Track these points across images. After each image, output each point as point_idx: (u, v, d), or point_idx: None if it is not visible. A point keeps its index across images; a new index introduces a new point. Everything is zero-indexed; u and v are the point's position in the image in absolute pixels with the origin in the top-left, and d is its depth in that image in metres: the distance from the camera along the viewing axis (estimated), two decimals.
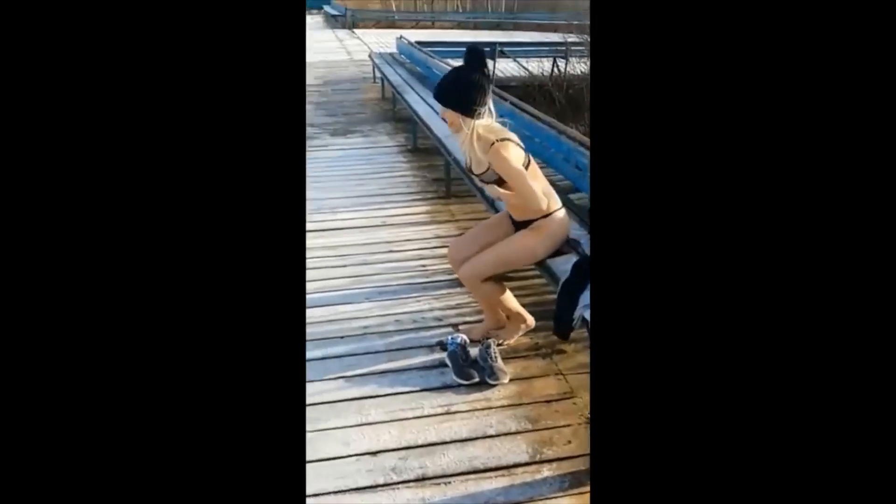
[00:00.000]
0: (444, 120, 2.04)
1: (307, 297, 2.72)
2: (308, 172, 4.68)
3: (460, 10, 20.05)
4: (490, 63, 2.11)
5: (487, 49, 9.14)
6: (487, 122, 1.99)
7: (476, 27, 17.25)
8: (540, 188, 2.01)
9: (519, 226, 2.13)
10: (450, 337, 2.21)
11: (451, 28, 17.34)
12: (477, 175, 2.10)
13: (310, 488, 1.67)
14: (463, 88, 1.95)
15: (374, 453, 1.82)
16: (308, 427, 1.91)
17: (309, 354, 2.27)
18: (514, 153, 1.97)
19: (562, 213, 2.09)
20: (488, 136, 1.98)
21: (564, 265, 2.03)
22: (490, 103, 1.98)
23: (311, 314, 2.55)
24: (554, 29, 10.69)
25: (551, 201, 2.06)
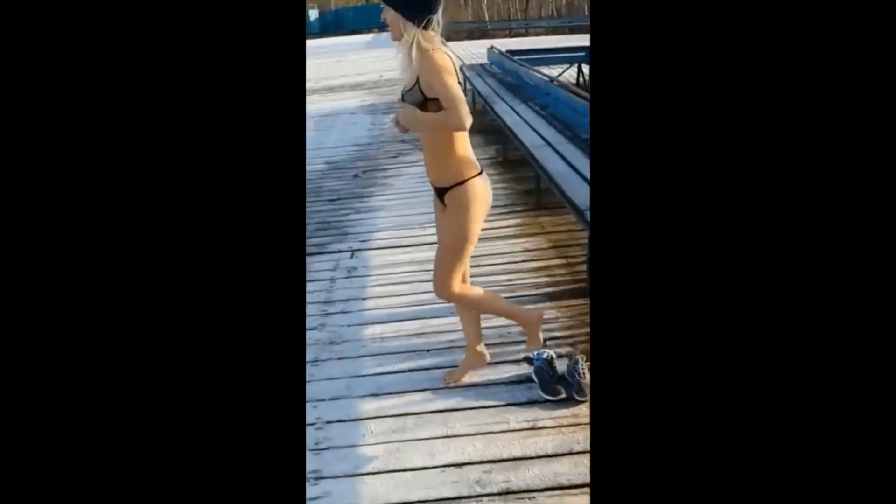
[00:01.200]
0: (383, 21, 1.81)
1: (396, 310, 2.83)
2: (398, 188, 4.83)
3: (555, 16, 19.84)
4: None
5: (582, 54, 8.93)
6: (432, 34, 1.75)
7: (571, 31, 17.01)
8: (462, 146, 1.84)
9: (441, 195, 1.94)
10: (536, 352, 2.21)
11: (546, 34, 17.21)
12: (402, 94, 1.86)
13: (394, 496, 1.74)
14: None
15: (460, 465, 1.85)
16: (394, 437, 1.99)
17: (397, 367, 2.36)
18: (449, 66, 1.72)
19: (480, 180, 1.90)
20: (426, 45, 1.73)
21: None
22: (439, 14, 1.74)
23: (399, 327, 2.65)
24: None
25: (467, 167, 1.87)
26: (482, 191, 1.92)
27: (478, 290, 2.14)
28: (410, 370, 2.35)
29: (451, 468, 1.84)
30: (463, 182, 1.88)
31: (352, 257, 3.51)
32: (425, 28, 1.73)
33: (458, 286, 2.03)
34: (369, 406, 2.16)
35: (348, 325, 2.74)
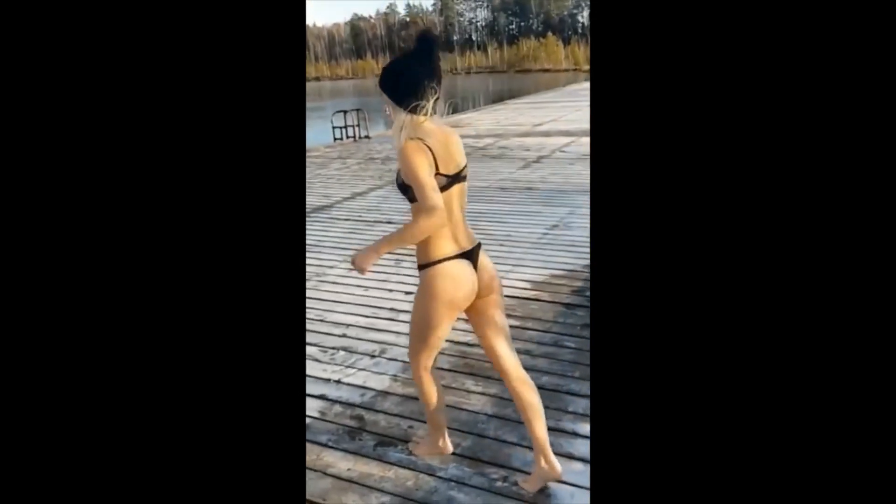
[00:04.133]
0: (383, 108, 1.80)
1: None
2: None
3: None
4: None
5: None
6: (420, 119, 1.70)
7: None
8: (447, 224, 1.66)
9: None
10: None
11: None
12: (395, 180, 1.79)
13: None
14: (398, 74, 1.72)
15: None
16: None
17: None
18: (418, 152, 1.62)
19: (455, 264, 1.73)
20: (408, 133, 1.68)
21: None
22: (432, 102, 1.70)
23: None
24: None
25: (439, 248, 1.71)
26: (454, 276, 1.73)
27: (431, 388, 1.95)
28: None
29: None
30: (429, 264, 1.73)
31: None
32: (414, 113, 1.70)
33: (421, 370, 1.89)
34: None
35: None
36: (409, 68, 1.71)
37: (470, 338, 3.00)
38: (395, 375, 2.72)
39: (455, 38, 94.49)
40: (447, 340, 2.99)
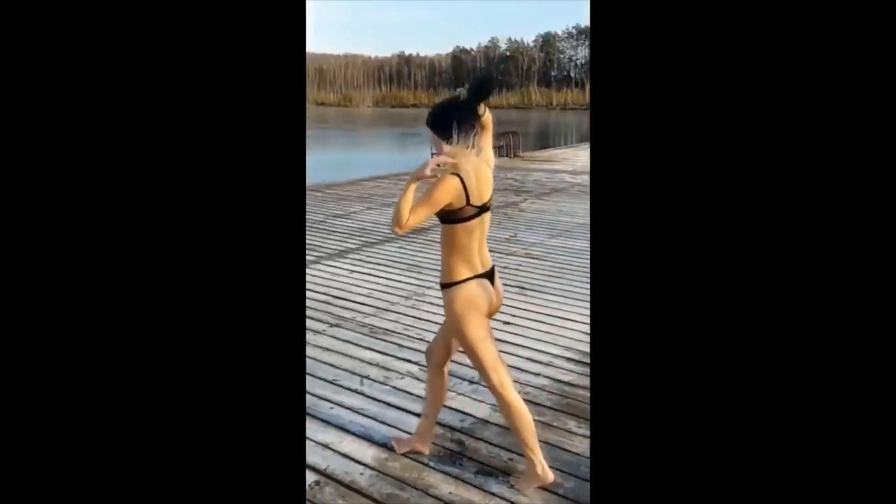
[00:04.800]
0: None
1: None
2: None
3: None
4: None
5: None
6: (464, 150, 1.87)
7: None
8: (458, 247, 1.91)
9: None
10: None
11: None
12: None
13: None
14: (445, 111, 1.92)
15: None
16: None
17: None
18: (448, 189, 1.84)
19: (473, 284, 1.94)
20: (450, 169, 1.87)
21: None
22: (473, 140, 1.88)
23: None
24: None
25: (457, 270, 1.93)
26: (472, 295, 1.94)
27: (523, 407, 2.05)
28: None
29: None
30: (450, 285, 1.95)
31: None
32: (457, 145, 1.87)
33: (506, 388, 2.00)
34: None
35: None
36: (456, 110, 1.90)
37: (572, 377, 2.94)
38: (494, 406, 2.70)
39: (553, 73, 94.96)
40: (547, 377, 2.95)
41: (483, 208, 1.92)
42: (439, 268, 2.05)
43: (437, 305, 3.89)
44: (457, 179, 1.86)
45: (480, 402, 2.73)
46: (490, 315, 2.02)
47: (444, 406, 2.69)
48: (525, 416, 2.02)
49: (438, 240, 2.02)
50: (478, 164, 1.91)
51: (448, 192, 1.85)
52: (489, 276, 2.00)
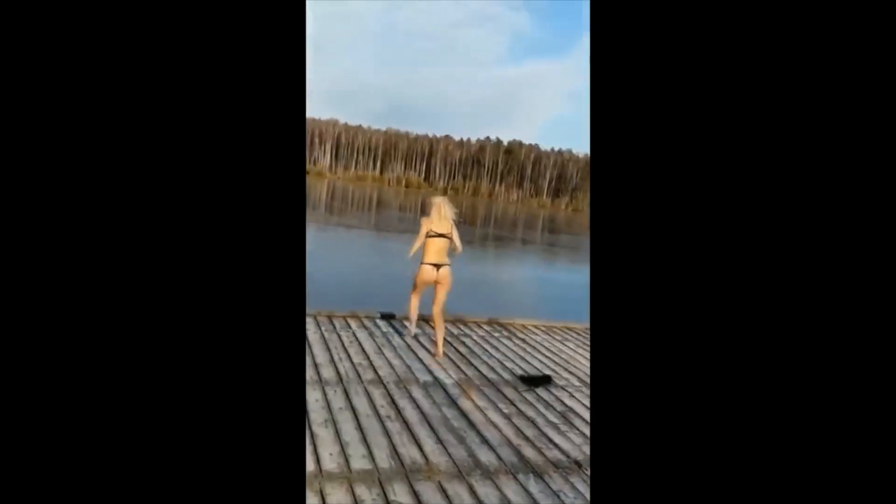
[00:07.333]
0: None
1: None
2: None
3: None
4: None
5: None
6: (434, 212, 4.24)
7: None
8: (424, 250, 4.19)
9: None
10: None
11: None
12: None
13: None
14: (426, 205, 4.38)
15: None
16: None
17: None
18: (423, 228, 4.19)
19: (421, 268, 4.22)
20: (427, 217, 4.26)
21: None
22: (436, 208, 4.23)
23: None
24: None
25: (425, 258, 4.21)
26: (425, 270, 4.22)
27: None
28: None
29: None
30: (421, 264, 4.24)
31: None
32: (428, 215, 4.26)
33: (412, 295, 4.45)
34: None
35: None
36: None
37: None
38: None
39: None
40: None
41: (438, 235, 4.13)
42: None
43: (517, 339, 3.88)
44: (427, 220, 4.23)
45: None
46: (436, 282, 4.23)
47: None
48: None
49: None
50: (442, 215, 4.20)
51: (422, 228, 4.21)
52: (439, 265, 4.18)
